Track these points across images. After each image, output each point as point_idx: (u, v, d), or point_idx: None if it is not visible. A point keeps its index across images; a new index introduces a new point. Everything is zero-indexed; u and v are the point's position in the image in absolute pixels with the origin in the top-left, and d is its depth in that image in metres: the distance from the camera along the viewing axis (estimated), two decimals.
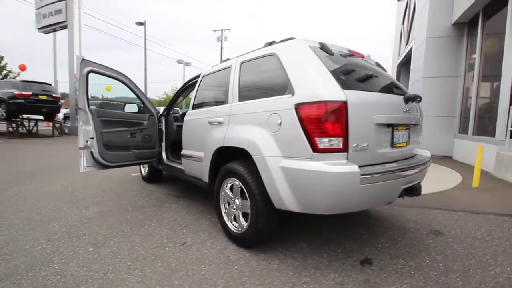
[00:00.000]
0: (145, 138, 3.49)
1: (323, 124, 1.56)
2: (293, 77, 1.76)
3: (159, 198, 3.44)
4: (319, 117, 1.56)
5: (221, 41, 32.01)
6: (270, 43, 2.21)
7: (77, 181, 4.23)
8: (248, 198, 2.00)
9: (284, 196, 1.73)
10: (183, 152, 2.96)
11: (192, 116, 2.84)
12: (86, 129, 2.93)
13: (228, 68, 2.50)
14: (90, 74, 2.89)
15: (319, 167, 1.55)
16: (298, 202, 1.69)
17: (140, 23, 20.19)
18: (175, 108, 3.95)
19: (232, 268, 1.85)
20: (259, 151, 1.85)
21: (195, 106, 2.89)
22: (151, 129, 3.58)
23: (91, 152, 2.96)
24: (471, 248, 2.16)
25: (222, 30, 32.56)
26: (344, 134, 1.57)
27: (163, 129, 3.74)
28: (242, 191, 2.10)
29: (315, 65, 1.73)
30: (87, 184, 4.04)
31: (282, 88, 1.83)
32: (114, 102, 15.23)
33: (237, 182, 2.12)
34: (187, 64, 25.79)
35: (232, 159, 2.32)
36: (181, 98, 3.64)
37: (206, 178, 2.54)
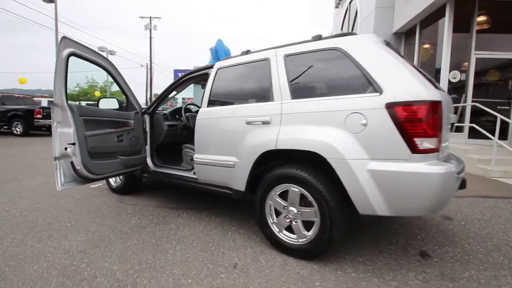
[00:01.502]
0: (132, 141, 2.84)
1: (423, 125, 1.51)
2: (376, 74, 1.66)
3: (153, 213, 2.86)
4: (420, 117, 1.51)
5: (150, 30, 29.26)
6: (319, 37, 2.05)
7: (18, 200, 3.16)
8: (315, 205, 1.82)
9: (374, 200, 1.62)
10: (197, 157, 2.52)
11: (210, 115, 2.42)
12: (64, 132, 2.16)
13: (263, 60, 2.22)
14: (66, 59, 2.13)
15: (423, 169, 1.50)
16: (390, 205, 1.61)
17: (50, 0, 16.62)
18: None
19: (313, 286, 1.65)
20: (338, 154, 1.68)
21: (212, 103, 2.48)
22: (138, 130, 2.93)
23: (71, 163, 2.21)
24: (484, 228, 2.51)
25: (150, 17, 29.82)
26: (439, 134, 1.57)
27: (147, 129, 3.13)
28: (301, 198, 1.90)
29: (399, 62, 1.67)
30: (37, 205, 3.05)
31: (361, 85, 1.71)
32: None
33: (295, 189, 1.91)
34: (111, 52, 22.62)
35: (273, 164, 2.09)
36: (174, 92, 3.08)
37: (240, 186, 2.21)
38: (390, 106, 1.57)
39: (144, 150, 3.03)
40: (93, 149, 2.33)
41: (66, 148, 2.16)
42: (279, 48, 2.18)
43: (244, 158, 2.14)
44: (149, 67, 28.63)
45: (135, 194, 3.48)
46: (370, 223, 2.60)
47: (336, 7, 12.75)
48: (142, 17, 29.06)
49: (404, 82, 1.59)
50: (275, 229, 2.06)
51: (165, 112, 3.37)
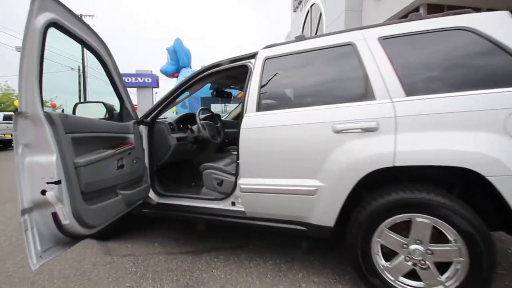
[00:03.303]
0: (134, 165, 1.93)
1: None
2: None
3: (170, 266, 1.99)
4: None
5: None
6: (420, 16, 1.58)
7: None
8: (462, 241, 1.32)
9: None
10: (246, 182, 1.78)
11: (266, 122, 1.72)
12: (40, 162, 1.21)
13: (344, 46, 1.64)
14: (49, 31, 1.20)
15: None
16: None
17: None
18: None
19: None
20: (504, 169, 1.21)
21: (264, 107, 1.79)
22: (138, 148, 2.03)
23: (54, 215, 1.26)
24: None
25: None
26: None
27: (144, 145, 2.23)
28: (433, 232, 1.39)
29: None
30: None
31: None
32: None
33: (424, 219, 1.38)
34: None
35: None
36: (186, 94, 2.24)
37: (326, 220, 1.59)
38: None
39: (146, 176, 2.14)
40: (88, 186, 1.41)
41: (44, 192, 1.21)
42: (366, 30, 1.63)
43: (335, 181, 1.52)
44: (81, 70, 25.00)
45: (122, 237, 2.49)
46: None
47: (294, 11, 12.86)
48: None
49: None
50: (388, 277, 1.49)
51: (169, 120, 2.48)
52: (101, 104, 1.98)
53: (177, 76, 10.04)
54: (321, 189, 1.57)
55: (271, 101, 1.79)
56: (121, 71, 1.96)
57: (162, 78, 17.78)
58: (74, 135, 1.34)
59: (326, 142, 1.55)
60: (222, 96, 2.97)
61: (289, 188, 1.65)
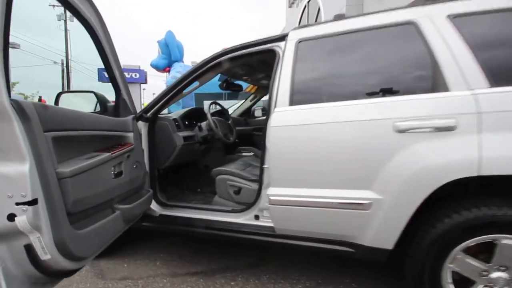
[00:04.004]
0: (134, 171, 1.55)
1: None
2: None
3: None
4: None
5: (65, 21, 24.31)
6: None
7: None
8: None
9: None
10: (278, 192, 1.44)
11: (304, 119, 1.39)
12: (7, 174, 0.83)
13: (402, 25, 1.33)
14: None
15: None
16: None
17: None
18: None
19: None
20: None
21: (298, 100, 1.45)
22: (138, 149, 1.65)
23: (28, 249, 0.88)
24: None
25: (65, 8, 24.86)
26: None
27: (145, 146, 1.85)
28: None
29: None
30: None
31: None
32: None
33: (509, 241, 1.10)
34: (13, 45, 17.67)
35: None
36: (196, 84, 1.87)
37: (383, 241, 1.28)
38: None
39: (147, 183, 1.76)
40: (77, 204, 1.03)
41: (13, 216, 0.83)
42: (429, 7, 1.33)
43: (398, 193, 1.21)
44: (65, 64, 23.74)
45: (117, 255, 2.09)
46: None
47: (290, 6, 12.55)
48: (53, 6, 23.93)
49: None
50: None
51: (174, 116, 2.09)
52: (92, 94, 1.58)
53: (168, 71, 9.52)
54: (378, 203, 1.25)
55: (309, 92, 1.46)
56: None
57: (150, 73, 17.09)
58: (56, 134, 0.96)
59: (385, 144, 1.23)
60: (231, 89, 2.62)
61: (335, 201, 1.33)
